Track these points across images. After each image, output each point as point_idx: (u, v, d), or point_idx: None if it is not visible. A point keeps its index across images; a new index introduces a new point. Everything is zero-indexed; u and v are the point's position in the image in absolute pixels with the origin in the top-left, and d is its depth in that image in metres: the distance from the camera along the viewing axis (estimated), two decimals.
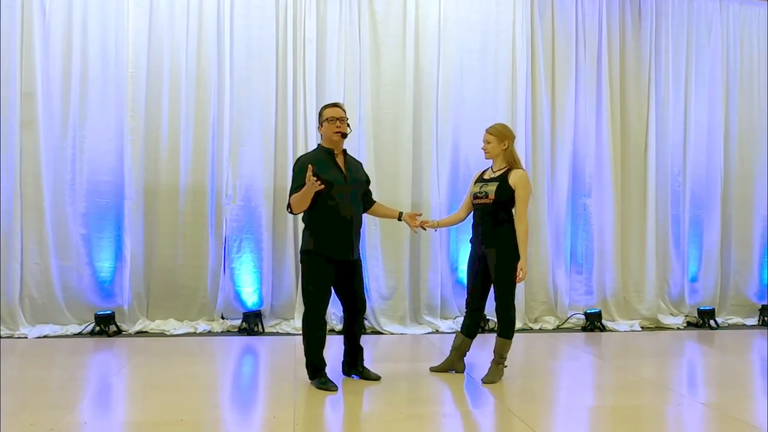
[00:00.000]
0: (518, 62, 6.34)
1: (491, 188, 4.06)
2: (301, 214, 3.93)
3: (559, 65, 6.50)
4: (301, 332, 3.96)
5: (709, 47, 6.89)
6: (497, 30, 6.34)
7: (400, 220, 4.22)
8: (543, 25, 6.47)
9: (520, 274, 3.99)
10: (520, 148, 6.06)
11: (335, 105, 3.95)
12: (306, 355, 3.92)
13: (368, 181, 4.15)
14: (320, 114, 3.97)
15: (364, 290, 4.12)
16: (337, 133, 3.84)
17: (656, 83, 6.72)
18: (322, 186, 3.63)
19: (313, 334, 3.88)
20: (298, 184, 3.75)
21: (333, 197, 3.79)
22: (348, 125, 3.92)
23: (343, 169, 3.89)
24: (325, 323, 3.95)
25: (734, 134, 6.94)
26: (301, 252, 3.95)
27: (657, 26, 6.74)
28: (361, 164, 4.16)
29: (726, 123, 6.92)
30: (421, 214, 4.33)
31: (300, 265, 5.79)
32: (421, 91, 6.18)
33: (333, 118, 3.85)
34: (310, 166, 3.62)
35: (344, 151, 3.98)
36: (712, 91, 6.89)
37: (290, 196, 3.80)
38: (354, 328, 4.09)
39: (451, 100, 6.22)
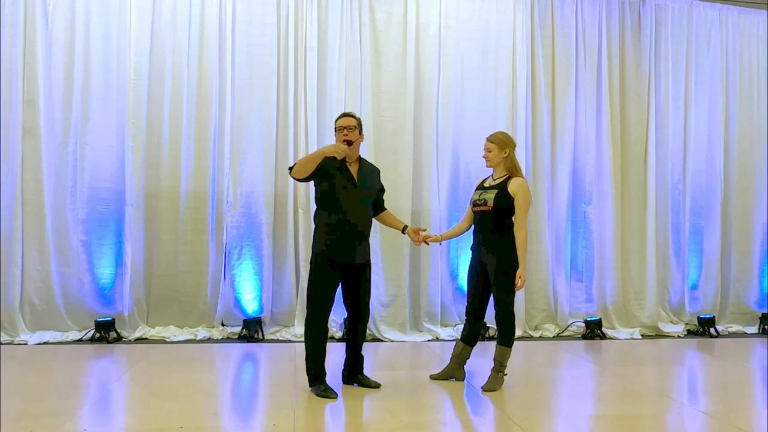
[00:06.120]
0: (518, 70, 6.36)
1: (490, 196, 4.08)
2: (313, 216, 4.03)
3: (559, 73, 6.52)
4: (301, 339, 3.97)
5: (709, 55, 6.92)
6: (497, 38, 6.37)
7: (403, 232, 4.24)
8: (543, 33, 6.50)
9: (518, 282, 3.99)
10: (520, 156, 6.08)
11: (345, 115, 4.05)
12: (307, 361, 3.94)
13: (381, 190, 4.20)
14: (334, 124, 4.07)
15: (369, 299, 4.14)
16: (344, 141, 3.92)
17: (656, 91, 6.74)
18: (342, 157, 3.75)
19: (315, 341, 3.90)
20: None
21: (340, 201, 3.86)
22: (360, 132, 4.01)
23: (354, 175, 3.95)
24: (326, 330, 3.97)
25: (734, 142, 6.96)
26: (311, 254, 4.01)
27: (657, 34, 6.78)
28: (377, 172, 4.20)
29: (726, 131, 6.94)
30: (425, 229, 4.34)
31: (300, 270, 5.82)
32: (422, 99, 6.20)
33: (341, 127, 3.96)
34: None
35: (360, 159, 4.05)
36: (712, 98, 6.91)
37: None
38: (356, 336, 4.10)
39: (451, 107, 6.24)
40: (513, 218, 4.09)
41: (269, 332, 5.84)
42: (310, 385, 3.94)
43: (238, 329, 5.77)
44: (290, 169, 3.88)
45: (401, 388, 4.16)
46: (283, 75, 5.98)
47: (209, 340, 5.68)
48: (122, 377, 4.30)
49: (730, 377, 4.75)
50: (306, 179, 3.89)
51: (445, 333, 6.06)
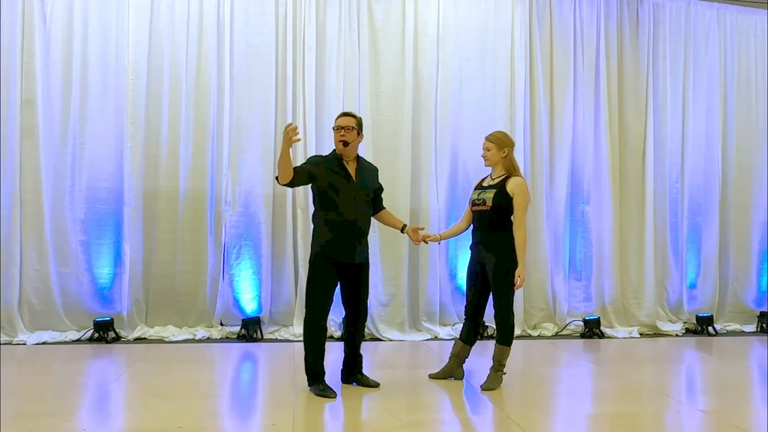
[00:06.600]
0: (517, 69, 6.37)
1: (489, 195, 4.08)
2: (312, 215, 4.04)
3: (557, 72, 6.53)
4: (299, 339, 3.97)
5: (707, 55, 6.93)
6: (496, 37, 6.37)
7: (402, 231, 4.25)
8: (541, 32, 6.50)
9: (518, 281, 4.00)
10: (519, 156, 6.07)
11: (343, 114, 4.05)
12: (306, 361, 3.94)
13: (380, 189, 4.21)
14: (333, 123, 4.08)
15: (368, 298, 4.14)
16: (340, 141, 3.93)
17: (654, 90, 6.75)
18: (299, 138, 3.67)
19: (314, 340, 3.91)
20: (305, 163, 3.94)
21: (339, 200, 3.87)
22: (359, 132, 4.00)
23: (351, 173, 3.95)
24: (325, 329, 3.97)
25: (732, 141, 6.98)
26: (311, 253, 4.01)
27: (655, 34, 6.79)
28: (376, 171, 4.20)
29: (724, 130, 6.95)
30: (423, 228, 4.35)
31: (299, 270, 5.83)
32: (420, 98, 6.20)
33: (339, 127, 3.96)
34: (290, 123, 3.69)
35: (358, 157, 4.06)
36: (710, 97, 6.92)
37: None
38: (355, 335, 4.11)
39: (450, 106, 6.25)
40: (512, 217, 4.10)
41: (268, 332, 5.84)
42: (309, 385, 3.94)
43: (236, 329, 5.77)
44: (277, 178, 3.85)
45: (400, 387, 4.17)
46: (282, 74, 5.98)
47: (208, 339, 5.68)
48: (121, 377, 4.30)
49: (729, 376, 4.76)
50: (300, 183, 3.88)
51: (443, 332, 6.06)
